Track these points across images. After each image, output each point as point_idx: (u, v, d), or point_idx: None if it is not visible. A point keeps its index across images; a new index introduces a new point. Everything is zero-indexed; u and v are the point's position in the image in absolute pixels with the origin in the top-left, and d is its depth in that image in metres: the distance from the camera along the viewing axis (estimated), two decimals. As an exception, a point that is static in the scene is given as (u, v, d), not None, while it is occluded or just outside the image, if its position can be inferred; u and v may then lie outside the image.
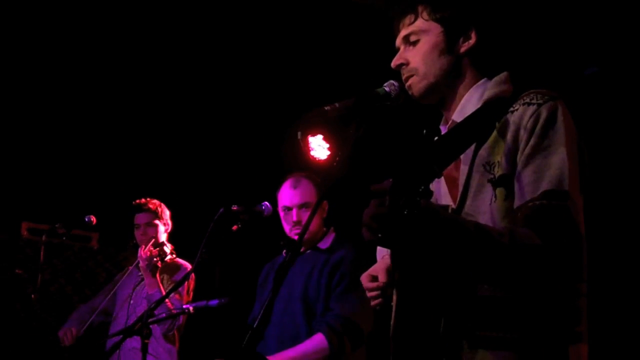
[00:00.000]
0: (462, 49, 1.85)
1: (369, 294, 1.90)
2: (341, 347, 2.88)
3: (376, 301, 1.87)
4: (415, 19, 1.87)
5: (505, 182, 1.68)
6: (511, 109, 1.73)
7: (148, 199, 4.29)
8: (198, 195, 5.23)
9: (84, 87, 5.39)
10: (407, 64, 1.88)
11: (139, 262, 4.01)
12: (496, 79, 1.84)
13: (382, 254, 2.01)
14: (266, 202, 3.25)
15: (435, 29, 1.85)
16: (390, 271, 1.84)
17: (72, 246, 5.07)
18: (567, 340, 1.64)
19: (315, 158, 4.33)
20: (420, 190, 1.44)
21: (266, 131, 5.13)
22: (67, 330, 4.05)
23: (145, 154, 5.60)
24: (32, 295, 4.36)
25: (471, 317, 1.64)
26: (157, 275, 3.97)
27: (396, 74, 1.98)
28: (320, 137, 4.23)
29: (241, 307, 3.40)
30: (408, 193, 1.44)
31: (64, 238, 4.27)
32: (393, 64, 1.91)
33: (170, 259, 4.06)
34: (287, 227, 3.19)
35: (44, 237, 4.29)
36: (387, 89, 1.89)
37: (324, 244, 3.19)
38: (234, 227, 3.23)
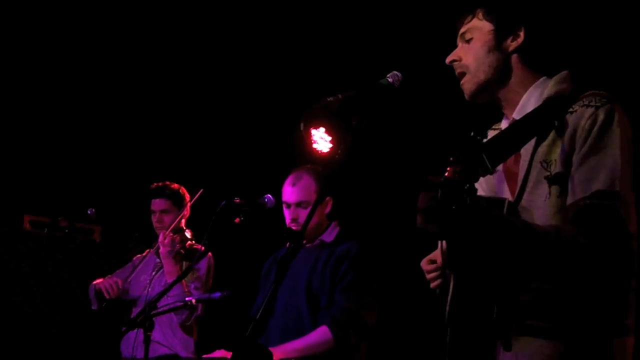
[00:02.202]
0: (511, 47, 1.92)
1: (428, 277, 1.99)
2: (345, 340, 2.88)
3: (435, 282, 1.96)
4: (472, 19, 1.96)
5: (560, 180, 1.76)
6: (570, 109, 1.80)
7: (167, 182, 4.09)
8: (201, 187, 5.22)
9: (86, 80, 5.38)
10: (460, 60, 1.97)
11: (158, 248, 3.86)
12: (556, 77, 1.90)
13: None
14: (269, 195, 3.25)
15: (486, 27, 1.93)
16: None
17: (75, 239, 5.06)
18: (613, 333, 1.73)
19: (317, 150, 4.34)
20: (466, 188, 1.54)
21: (271, 123, 5.12)
22: (113, 281, 3.84)
23: (149, 147, 5.59)
24: (35, 289, 4.36)
25: (521, 306, 1.74)
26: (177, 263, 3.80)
27: (399, 65, 1.99)
28: (322, 130, 4.26)
29: (245, 299, 3.40)
30: (457, 189, 1.55)
31: (66, 231, 4.23)
32: (447, 60, 1.99)
33: (189, 244, 3.93)
34: (287, 221, 3.20)
35: (45, 230, 4.25)
36: (390, 79, 1.90)
37: (329, 237, 3.20)
38: (237, 220, 3.23)
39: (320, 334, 2.87)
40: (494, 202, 1.82)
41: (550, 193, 1.77)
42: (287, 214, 3.18)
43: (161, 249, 3.81)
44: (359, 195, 4.65)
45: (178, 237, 3.82)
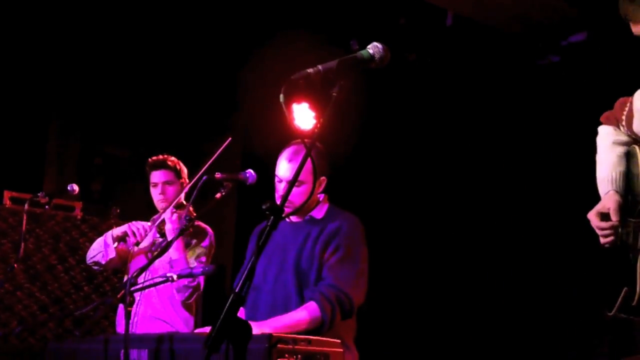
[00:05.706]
0: None
1: (600, 233, 2.04)
2: (332, 317, 2.87)
3: (607, 239, 2.02)
4: None
5: None
6: None
7: (166, 155, 3.99)
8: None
9: (69, 63, 5.34)
10: None
11: (159, 225, 3.76)
12: None
13: (607, 189, 2.10)
14: (250, 170, 3.23)
15: None
16: (621, 210, 1.98)
17: (56, 215, 5.02)
18: None
19: (298, 127, 4.27)
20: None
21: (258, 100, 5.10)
22: (140, 225, 3.75)
23: (137, 126, 5.56)
24: (15, 265, 4.31)
25: None
26: (182, 240, 3.70)
27: (381, 37, 1.97)
28: (305, 105, 4.21)
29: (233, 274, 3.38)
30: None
31: (47, 207, 4.18)
32: None
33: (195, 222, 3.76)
34: (277, 196, 3.12)
35: (26, 206, 4.20)
36: (370, 51, 1.88)
37: (318, 214, 3.14)
38: (218, 195, 3.21)
39: (308, 310, 2.85)
40: None
41: None
42: (279, 189, 3.10)
43: (172, 226, 3.69)
44: (349, 172, 4.64)
45: (183, 213, 3.69)
